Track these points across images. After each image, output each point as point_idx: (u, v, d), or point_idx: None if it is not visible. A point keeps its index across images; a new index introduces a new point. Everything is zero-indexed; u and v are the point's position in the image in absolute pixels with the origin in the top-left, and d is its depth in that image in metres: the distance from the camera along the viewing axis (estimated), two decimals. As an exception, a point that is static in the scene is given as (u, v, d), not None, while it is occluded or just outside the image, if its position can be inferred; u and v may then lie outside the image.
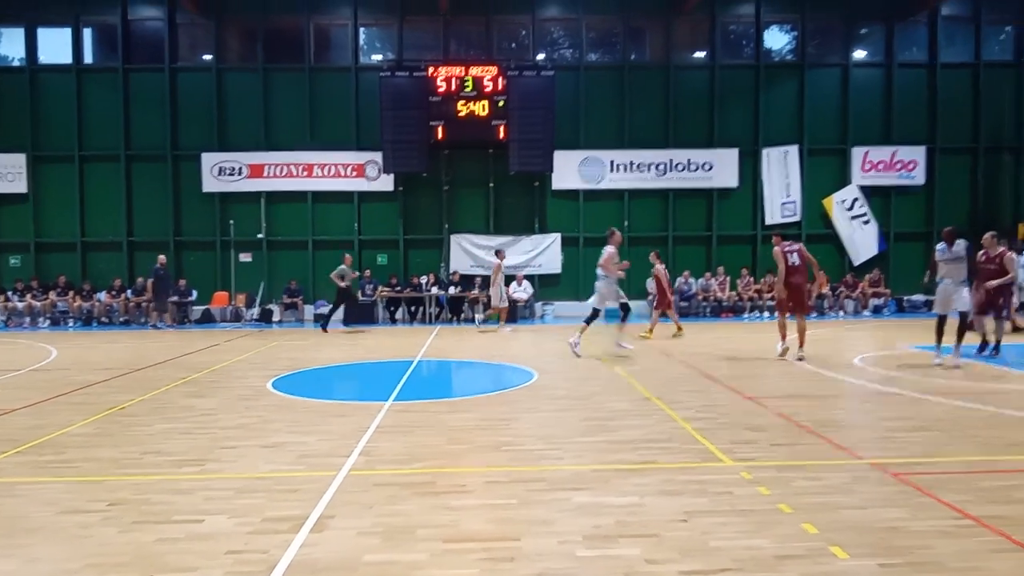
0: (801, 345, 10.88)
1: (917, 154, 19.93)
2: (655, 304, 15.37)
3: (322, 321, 16.51)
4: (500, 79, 18.53)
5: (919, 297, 19.44)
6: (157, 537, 4.10)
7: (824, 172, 20.04)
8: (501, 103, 18.53)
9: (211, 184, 19.52)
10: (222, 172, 19.49)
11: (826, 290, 17.22)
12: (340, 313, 17.10)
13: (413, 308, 18.78)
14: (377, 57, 20.28)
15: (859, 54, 20.27)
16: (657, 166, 19.75)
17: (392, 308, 18.80)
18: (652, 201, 19.98)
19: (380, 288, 18.75)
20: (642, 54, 20.41)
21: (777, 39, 20.65)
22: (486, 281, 19.22)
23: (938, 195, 20.05)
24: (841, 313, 18.69)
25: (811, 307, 11.53)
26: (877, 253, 19.85)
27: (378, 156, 19.05)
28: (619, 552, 3.81)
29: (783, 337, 11.19)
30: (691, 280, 19.31)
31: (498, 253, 16.43)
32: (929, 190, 20.09)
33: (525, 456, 5.75)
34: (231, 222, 19.62)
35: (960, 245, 9.99)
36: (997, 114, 20.10)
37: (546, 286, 19.76)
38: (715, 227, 20.02)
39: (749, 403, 7.76)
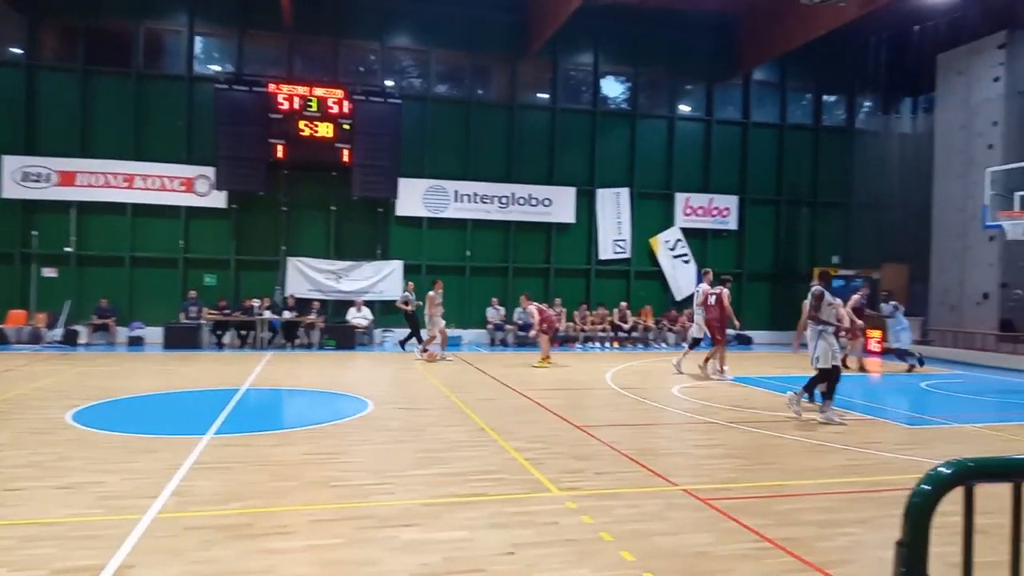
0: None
1: (731, 202, 21.97)
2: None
3: (401, 345, 17.31)
4: (346, 102, 18.23)
5: (731, 332, 21.28)
6: (-89, 600, 3.53)
7: (651, 214, 21.52)
8: (346, 126, 18.21)
9: (12, 190, 17.46)
10: (27, 177, 17.50)
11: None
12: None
13: (244, 332, 17.77)
14: (214, 68, 19.27)
15: (684, 108, 22.09)
16: (500, 198, 20.25)
17: (219, 332, 17.66)
18: (494, 232, 20.41)
19: (206, 310, 17.57)
20: (488, 91, 20.96)
21: (613, 88, 22.02)
22: (324, 306, 18.66)
23: (747, 240, 22.17)
24: (663, 345, 20.00)
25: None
26: (695, 290, 21.50)
27: (210, 171, 17.99)
28: (445, 589, 3.79)
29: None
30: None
31: (435, 283, 15.74)
32: (740, 235, 22.17)
33: (354, 492, 5.59)
34: (34, 233, 17.64)
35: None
36: (797, 171, 22.64)
37: (387, 312, 19.50)
38: (553, 260, 20.80)
39: (579, 432, 8.06)
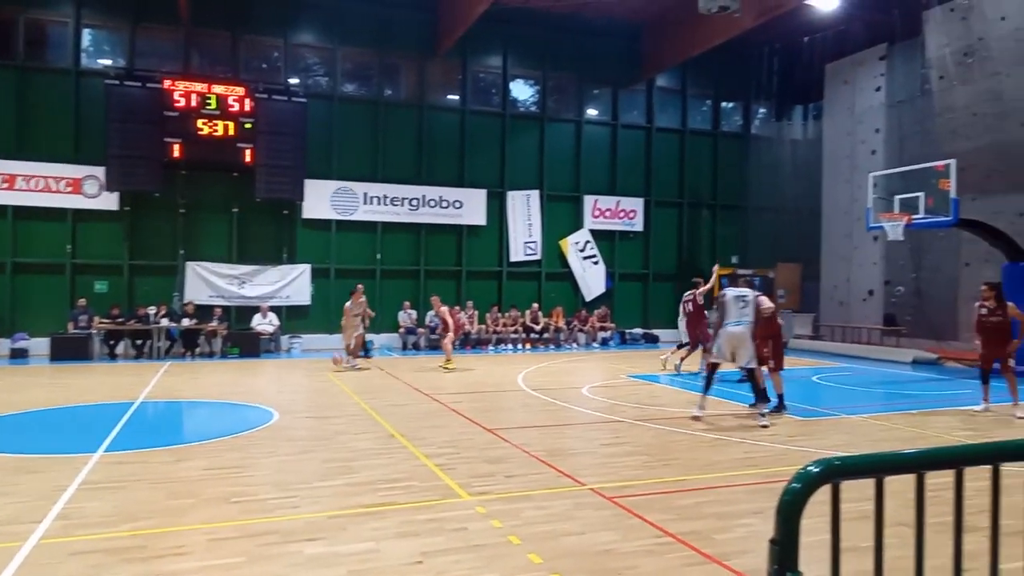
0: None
1: (637, 205, 22.60)
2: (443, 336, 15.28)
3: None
4: (247, 100, 17.62)
5: (638, 331, 21.98)
6: None
7: (561, 216, 21.86)
8: (248, 125, 17.60)
9: None
10: None
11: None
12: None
13: (139, 342, 16.86)
14: (105, 62, 18.21)
15: (591, 112, 22.56)
16: (410, 201, 20.07)
17: (112, 342, 16.68)
18: (404, 235, 20.21)
19: (97, 319, 16.58)
20: (397, 91, 20.74)
21: (522, 91, 22.23)
22: (227, 312, 17.95)
23: (653, 241, 22.87)
24: (574, 345, 20.35)
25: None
26: (605, 291, 22.03)
27: (100, 171, 16.99)
28: (350, 604, 3.72)
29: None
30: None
31: (352, 292, 15.03)
32: (646, 236, 22.84)
33: (257, 507, 5.40)
34: None
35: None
36: (698, 174, 23.54)
37: (294, 318, 18.97)
38: (464, 262, 20.79)
39: (489, 436, 8.09)
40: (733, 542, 4.72)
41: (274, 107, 17.81)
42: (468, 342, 19.26)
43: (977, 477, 2.04)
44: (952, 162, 14.34)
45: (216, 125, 17.37)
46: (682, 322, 14.79)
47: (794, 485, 1.62)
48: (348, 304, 14.77)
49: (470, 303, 19.77)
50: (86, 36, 18.05)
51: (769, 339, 9.66)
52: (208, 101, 17.31)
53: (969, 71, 16.96)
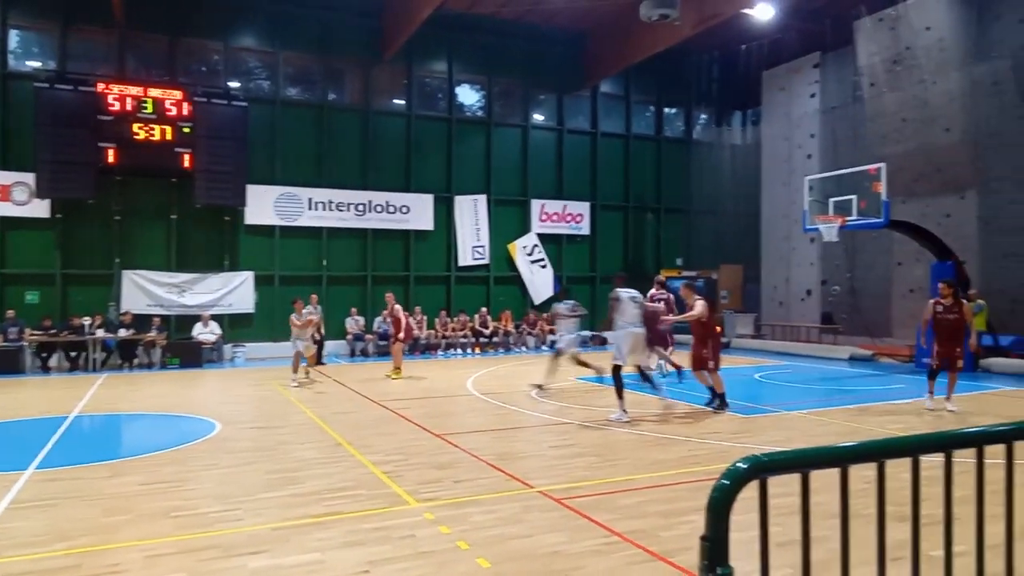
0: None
1: (583, 208, 22.85)
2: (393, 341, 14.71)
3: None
4: (186, 104, 17.18)
5: (586, 333, 22.14)
6: None
7: (508, 220, 21.94)
8: (187, 129, 17.16)
9: None
10: None
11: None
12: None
13: (73, 354, 16.22)
14: (34, 64, 17.51)
15: (537, 117, 22.72)
16: (356, 206, 19.85)
17: (45, 355, 16.01)
18: (351, 240, 19.98)
19: (28, 331, 15.90)
20: (341, 95, 20.51)
21: (468, 96, 22.25)
22: (166, 322, 17.44)
23: (599, 245, 23.15)
24: (523, 348, 20.43)
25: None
26: (553, 294, 22.18)
27: (30, 178, 16.32)
28: (295, 616, 3.66)
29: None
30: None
31: (295, 302, 13.94)
32: (593, 240, 23.10)
33: (197, 521, 5.27)
34: None
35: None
36: (642, 179, 23.93)
37: (237, 326, 18.54)
38: (412, 267, 20.67)
39: (438, 441, 8.06)
40: (677, 539, 4.81)
41: (214, 111, 17.41)
42: (417, 347, 19.14)
43: (906, 469, 2.15)
44: (882, 166, 14.93)
45: (153, 129, 16.88)
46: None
47: (723, 482, 1.68)
48: (292, 316, 13.92)
49: (418, 308, 19.65)
50: (13, 37, 17.34)
51: (707, 339, 9.87)
52: (144, 105, 16.82)
53: (897, 78, 17.70)
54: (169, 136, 17.01)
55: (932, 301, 10.09)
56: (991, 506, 2.26)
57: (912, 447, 2.08)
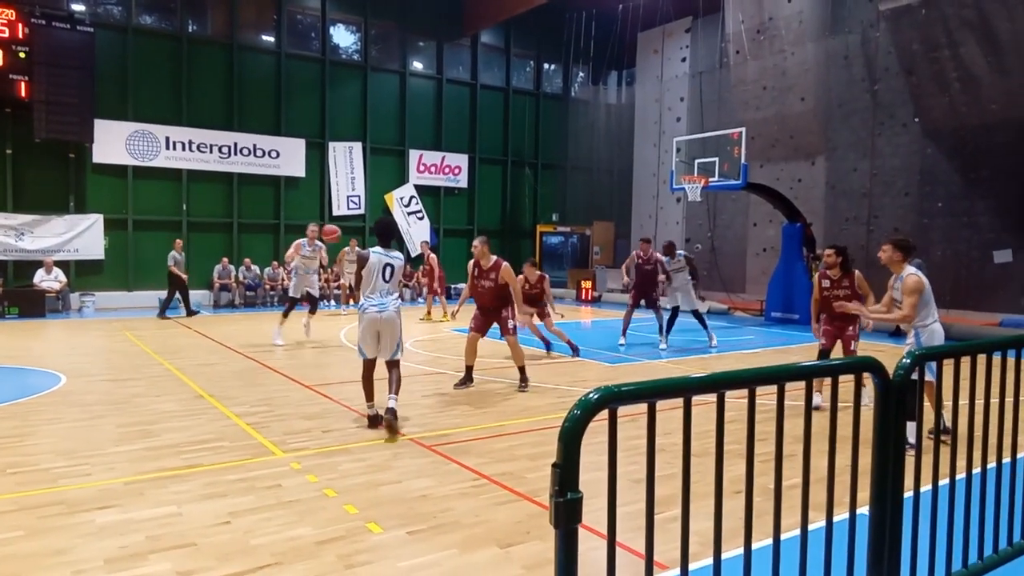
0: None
1: (462, 161, 22.70)
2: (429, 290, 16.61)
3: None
4: (21, 25, 15.40)
5: (462, 285, 22.23)
6: None
7: (385, 170, 21.44)
8: (22, 54, 15.42)
9: None
10: None
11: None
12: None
13: None
14: None
15: (416, 65, 22.15)
16: (220, 148, 18.69)
17: None
18: (215, 185, 18.84)
19: None
20: (203, 26, 19.03)
21: (344, 38, 21.30)
22: (3, 267, 15.84)
23: (478, 198, 23.14)
24: (400, 301, 20.22)
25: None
26: (431, 246, 22.00)
27: None
28: (147, 570, 3.51)
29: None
30: (255, 268, 18.76)
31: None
32: (471, 193, 23.06)
33: (39, 477, 4.90)
34: None
35: (680, 256, 12.03)
36: (521, 133, 24.04)
37: (85, 274, 17.13)
38: (283, 216, 19.83)
39: (308, 392, 7.90)
40: (542, 480, 4.99)
41: (54, 35, 15.71)
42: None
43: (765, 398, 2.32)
44: (742, 130, 15.80)
45: (-19, 52, 15.04)
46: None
47: (575, 412, 1.75)
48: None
49: (276, 263, 18.89)
50: None
51: (534, 304, 10.54)
52: (-31, 23, 14.91)
53: (760, 48, 18.65)
54: (2, 62, 15.23)
55: (817, 275, 7.53)
56: (817, 442, 2.50)
57: (749, 379, 2.26)
